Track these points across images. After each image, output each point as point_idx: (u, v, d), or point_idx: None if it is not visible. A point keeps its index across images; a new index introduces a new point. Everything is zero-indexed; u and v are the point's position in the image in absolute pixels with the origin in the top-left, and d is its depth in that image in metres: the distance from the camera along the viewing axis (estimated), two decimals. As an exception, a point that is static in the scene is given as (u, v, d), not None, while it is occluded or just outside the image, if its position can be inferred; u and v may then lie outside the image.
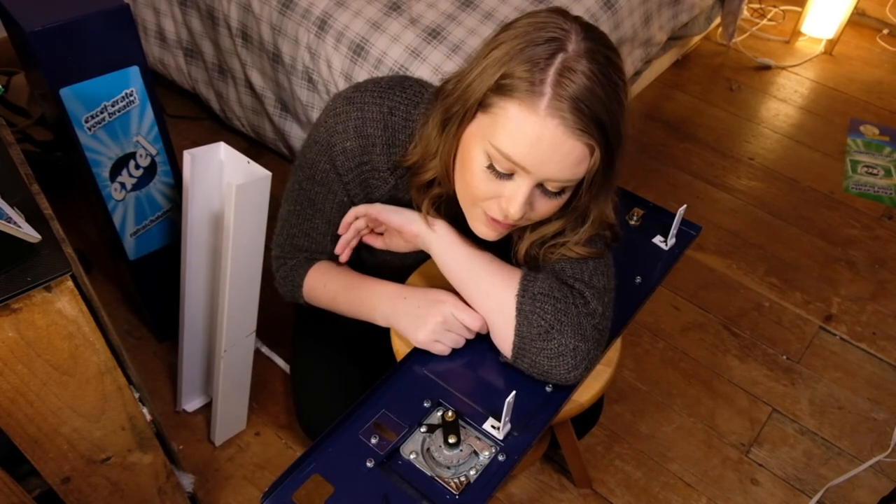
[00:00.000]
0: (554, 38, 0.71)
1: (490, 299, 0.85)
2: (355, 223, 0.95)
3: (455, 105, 0.78)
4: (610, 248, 0.91)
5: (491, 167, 0.76)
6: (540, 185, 0.76)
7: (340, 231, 0.97)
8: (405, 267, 1.03)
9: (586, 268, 0.87)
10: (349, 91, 0.91)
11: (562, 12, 0.75)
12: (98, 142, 1.09)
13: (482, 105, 0.75)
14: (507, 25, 0.76)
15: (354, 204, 0.96)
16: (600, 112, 0.71)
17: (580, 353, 0.82)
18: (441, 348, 0.88)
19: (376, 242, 0.97)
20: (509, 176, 0.76)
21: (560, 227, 0.85)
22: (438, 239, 0.89)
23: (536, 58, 0.71)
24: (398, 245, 0.95)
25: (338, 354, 1.12)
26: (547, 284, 0.83)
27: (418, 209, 0.90)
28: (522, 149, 0.72)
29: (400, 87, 0.90)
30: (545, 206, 0.79)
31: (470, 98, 0.75)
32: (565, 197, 0.79)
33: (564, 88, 0.70)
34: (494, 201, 0.78)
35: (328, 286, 0.97)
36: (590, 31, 0.73)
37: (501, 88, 0.72)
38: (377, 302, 0.92)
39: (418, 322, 0.88)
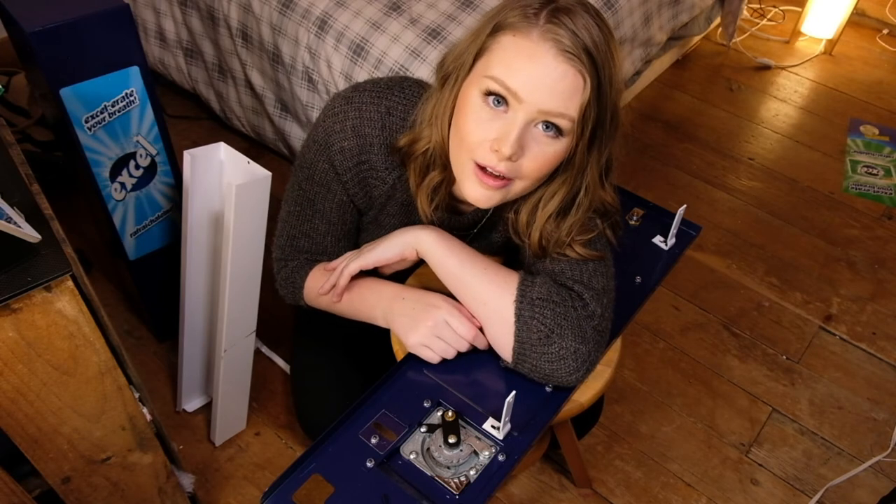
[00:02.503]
0: None
1: (487, 306, 0.85)
2: (348, 272, 0.91)
3: (452, 65, 0.80)
4: (612, 246, 0.91)
5: (484, 102, 0.76)
6: (533, 125, 0.76)
7: (339, 283, 0.92)
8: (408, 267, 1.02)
9: (585, 269, 0.86)
10: (348, 91, 0.91)
11: None
12: (98, 142, 1.09)
13: (478, 54, 0.77)
14: None
15: (354, 203, 0.95)
16: (591, 46, 0.73)
17: (581, 355, 0.82)
18: (429, 354, 0.87)
19: (386, 271, 0.95)
20: (503, 111, 0.76)
21: (563, 197, 0.84)
22: (431, 251, 0.88)
23: (530, 3, 0.74)
24: (407, 264, 0.94)
25: (338, 354, 1.12)
26: (545, 289, 0.83)
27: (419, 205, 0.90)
28: (515, 72, 0.74)
29: (399, 88, 0.90)
30: (538, 152, 0.77)
31: (466, 53, 0.78)
32: (558, 147, 0.78)
33: (558, 19, 0.73)
34: (486, 145, 0.77)
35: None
36: None
37: (495, 30, 0.75)
38: (376, 301, 0.92)
39: (410, 325, 0.87)
